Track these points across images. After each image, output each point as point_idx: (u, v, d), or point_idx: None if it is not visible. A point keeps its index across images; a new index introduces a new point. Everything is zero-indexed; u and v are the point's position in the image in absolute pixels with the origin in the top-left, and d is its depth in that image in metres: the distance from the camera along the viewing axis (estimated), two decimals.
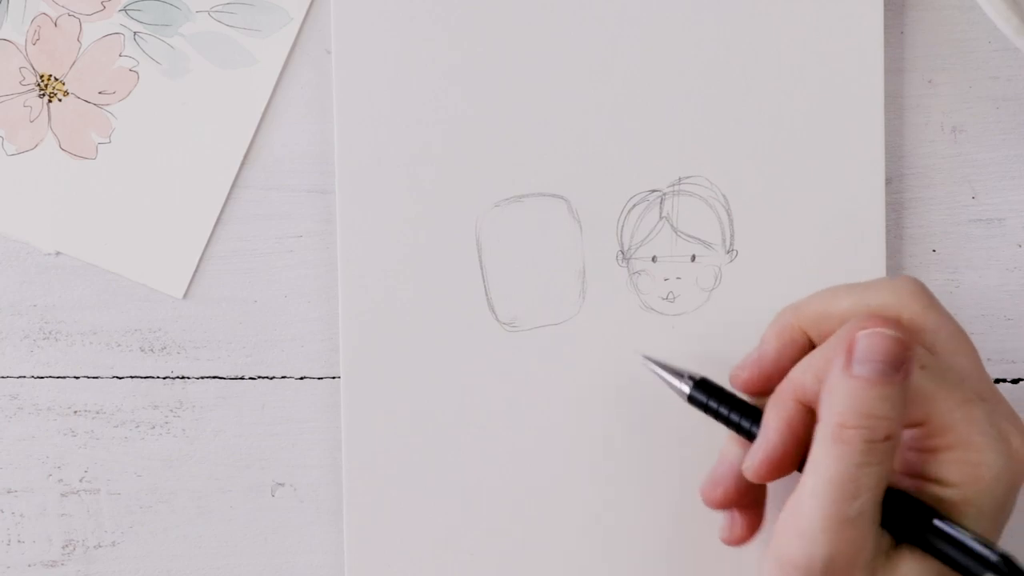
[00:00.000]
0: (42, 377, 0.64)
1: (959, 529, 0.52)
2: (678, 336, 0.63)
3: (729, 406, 0.58)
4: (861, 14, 0.63)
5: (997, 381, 0.65)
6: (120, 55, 0.64)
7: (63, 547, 0.65)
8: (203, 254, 0.64)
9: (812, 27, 0.63)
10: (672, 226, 0.63)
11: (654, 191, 0.63)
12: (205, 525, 0.65)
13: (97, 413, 0.64)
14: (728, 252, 0.63)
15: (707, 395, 0.59)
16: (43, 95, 0.64)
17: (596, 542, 0.64)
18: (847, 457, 0.51)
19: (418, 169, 0.63)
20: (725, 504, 0.59)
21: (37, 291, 0.64)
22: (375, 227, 0.63)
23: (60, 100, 0.64)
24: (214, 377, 0.64)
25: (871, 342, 0.51)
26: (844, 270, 0.63)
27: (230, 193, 0.64)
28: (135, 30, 0.64)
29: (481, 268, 0.63)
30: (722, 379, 0.61)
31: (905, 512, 0.53)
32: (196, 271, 0.64)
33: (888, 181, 0.64)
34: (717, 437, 0.63)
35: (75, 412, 0.64)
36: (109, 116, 0.64)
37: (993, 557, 0.51)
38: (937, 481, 0.53)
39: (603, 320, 0.63)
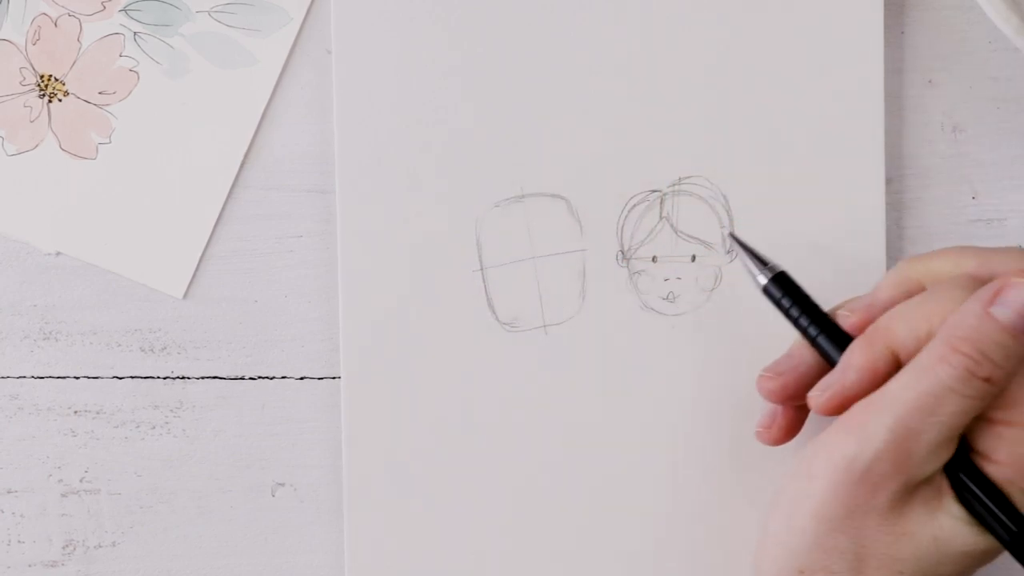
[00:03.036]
0: (42, 377, 0.64)
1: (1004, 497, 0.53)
2: (678, 336, 0.63)
3: (801, 308, 0.58)
4: (861, 14, 0.63)
5: None
6: (120, 55, 0.64)
7: (63, 547, 0.65)
8: (203, 254, 0.64)
9: (812, 27, 0.63)
10: (672, 226, 0.63)
11: (654, 191, 0.63)
12: (205, 525, 0.65)
13: (97, 413, 0.64)
14: (728, 252, 0.63)
15: (782, 291, 0.58)
16: (43, 95, 0.64)
17: (596, 542, 0.64)
18: (944, 376, 0.52)
19: (418, 169, 0.63)
20: (779, 396, 0.58)
21: (37, 291, 0.64)
22: (375, 227, 0.63)
23: (60, 100, 0.64)
24: (214, 377, 0.64)
25: (1016, 293, 0.52)
26: (844, 270, 0.63)
27: (230, 193, 0.64)
28: (135, 30, 0.64)
29: (481, 268, 0.63)
30: (720, 383, 0.61)
31: (964, 467, 0.53)
32: (196, 271, 0.64)
33: (888, 181, 0.64)
34: (718, 438, 0.63)
35: (75, 412, 0.64)
36: (109, 116, 0.64)
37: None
38: (983, 454, 0.53)
39: (603, 320, 0.63)
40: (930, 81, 0.64)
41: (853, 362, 0.55)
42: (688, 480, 0.63)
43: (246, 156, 0.64)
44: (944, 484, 0.54)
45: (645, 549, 0.63)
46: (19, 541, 0.64)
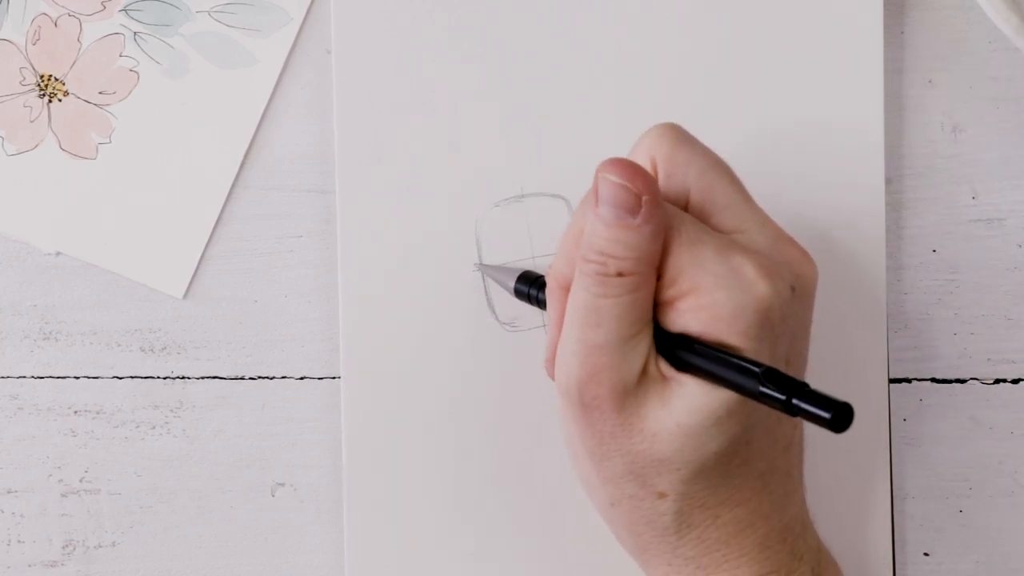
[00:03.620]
0: (42, 377, 0.64)
1: (719, 350, 0.52)
2: None
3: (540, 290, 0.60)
4: (861, 14, 0.63)
5: (997, 381, 0.65)
6: (120, 55, 0.64)
7: (63, 547, 0.65)
8: (203, 254, 0.64)
9: (812, 27, 0.63)
10: None
11: None
12: (205, 525, 0.65)
13: (97, 413, 0.64)
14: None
15: (528, 285, 0.60)
16: (43, 95, 0.64)
17: (596, 541, 0.64)
18: (587, 288, 0.53)
19: (418, 169, 0.63)
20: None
21: (37, 291, 0.64)
22: (375, 227, 0.63)
23: (60, 100, 0.64)
24: (214, 377, 0.64)
25: (604, 187, 0.53)
26: (844, 270, 0.63)
27: (230, 193, 0.64)
28: (135, 30, 0.64)
29: (481, 268, 0.63)
30: None
31: (677, 343, 0.54)
32: (196, 271, 0.64)
33: (888, 181, 0.64)
34: None
35: (75, 412, 0.64)
36: (109, 116, 0.64)
37: (757, 370, 0.51)
38: (681, 335, 0.53)
39: None
40: (930, 81, 0.64)
41: (550, 317, 0.57)
42: None
43: (246, 156, 0.64)
44: (663, 374, 0.54)
45: None
46: (19, 541, 0.64)
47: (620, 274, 0.53)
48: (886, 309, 0.64)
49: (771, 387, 0.50)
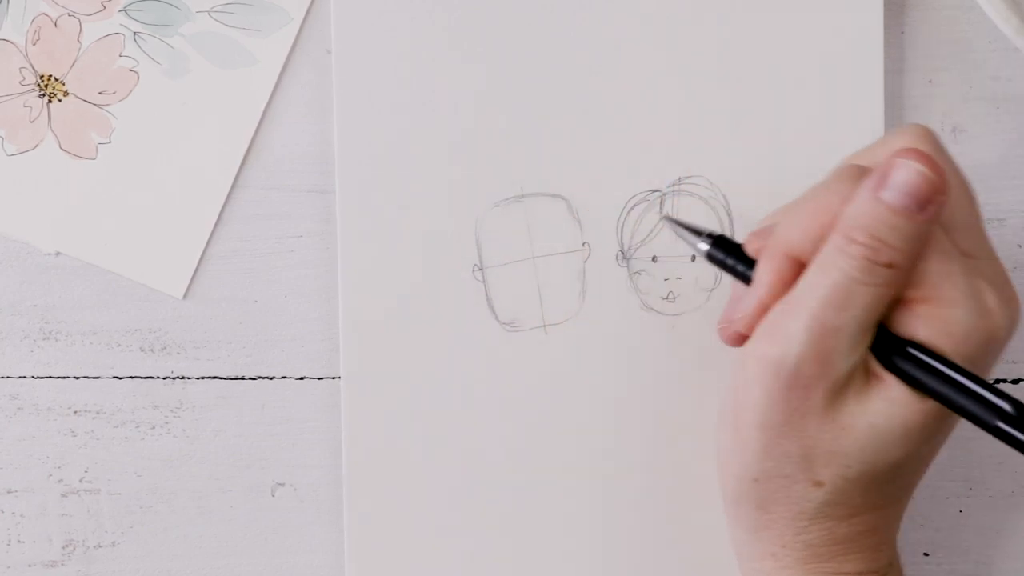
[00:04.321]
0: (42, 377, 0.64)
1: (962, 371, 0.52)
2: (678, 336, 0.63)
3: (746, 264, 0.57)
4: (861, 14, 0.63)
5: (997, 381, 0.65)
6: (120, 55, 0.64)
7: (63, 547, 0.64)
8: (203, 254, 0.64)
9: (812, 27, 0.63)
10: None
11: (654, 191, 0.63)
12: (205, 525, 0.65)
13: (97, 413, 0.64)
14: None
15: (725, 252, 0.58)
16: (43, 95, 0.64)
17: (596, 541, 0.64)
18: (847, 269, 0.52)
19: (418, 169, 0.63)
20: (741, 340, 0.58)
21: (37, 291, 0.64)
22: (375, 227, 0.63)
23: (60, 100, 0.64)
24: (214, 377, 0.64)
25: (903, 173, 0.52)
26: None
27: (230, 193, 0.64)
28: (135, 30, 0.64)
29: (481, 268, 0.63)
30: (720, 383, 0.61)
31: (892, 344, 0.53)
32: (196, 271, 0.64)
33: None
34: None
35: (75, 412, 0.64)
36: (109, 116, 0.64)
37: (1007, 406, 0.51)
38: (905, 336, 0.53)
39: (603, 320, 0.63)
40: (930, 81, 0.64)
41: (761, 276, 0.55)
42: (689, 479, 0.63)
43: (246, 156, 0.64)
44: (870, 370, 0.53)
45: (646, 547, 0.63)
46: (19, 541, 0.64)
47: (890, 264, 0.52)
48: None
49: (1014, 425, 0.50)
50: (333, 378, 0.64)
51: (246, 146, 0.64)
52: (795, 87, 0.63)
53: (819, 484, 0.54)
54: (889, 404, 0.53)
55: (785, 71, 0.63)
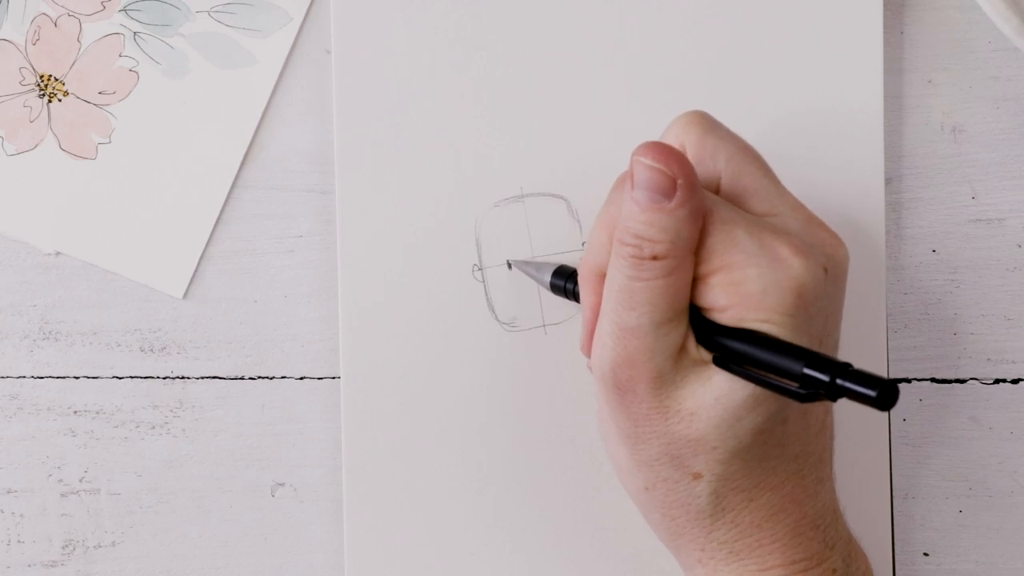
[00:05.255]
0: (42, 377, 0.64)
1: (762, 335, 0.52)
2: None
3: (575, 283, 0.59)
4: (861, 14, 0.63)
5: (997, 381, 0.65)
6: (120, 55, 0.64)
7: (63, 547, 0.65)
8: (203, 254, 0.64)
9: (812, 27, 0.63)
10: None
11: None
12: (205, 525, 0.65)
13: (97, 413, 0.64)
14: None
15: (564, 279, 0.60)
16: (43, 95, 0.64)
17: (596, 541, 0.64)
18: (622, 270, 0.53)
19: (418, 169, 0.63)
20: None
21: (37, 291, 0.64)
22: (375, 227, 0.63)
23: (60, 100, 0.64)
24: (214, 377, 0.64)
25: (639, 170, 0.53)
26: None
27: (230, 193, 0.64)
28: (135, 30, 0.64)
29: (481, 268, 0.63)
30: None
31: (715, 330, 0.53)
32: (196, 271, 0.64)
33: (888, 181, 0.64)
34: None
35: (75, 412, 0.64)
36: (109, 116, 0.64)
37: (796, 368, 0.51)
38: (710, 309, 0.54)
39: None
40: (930, 81, 0.64)
41: (583, 303, 0.57)
42: None
43: (246, 156, 0.64)
44: (699, 355, 0.54)
45: (643, 547, 0.63)
46: (19, 541, 0.64)
47: (655, 257, 0.53)
48: (886, 309, 0.64)
49: (814, 369, 0.50)
50: (333, 378, 0.64)
51: (246, 146, 0.64)
52: (795, 86, 0.63)
53: (698, 476, 0.54)
54: (727, 378, 0.53)
55: (785, 71, 0.63)
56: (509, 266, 0.63)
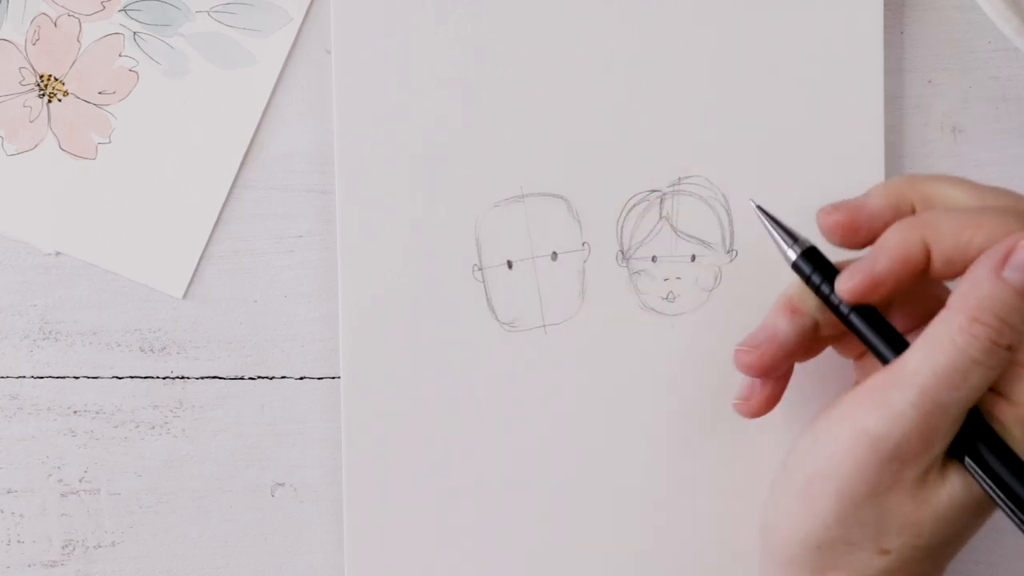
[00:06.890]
0: (42, 377, 0.64)
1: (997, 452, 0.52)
2: (678, 336, 0.63)
3: (832, 284, 0.56)
4: (861, 14, 0.63)
5: None
6: (120, 55, 0.64)
7: (63, 547, 0.65)
8: (203, 254, 0.64)
9: (812, 27, 0.63)
10: (672, 226, 0.63)
11: (654, 191, 0.63)
12: (205, 525, 0.65)
13: (97, 413, 0.64)
14: (728, 252, 0.63)
15: (812, 267, 0.56)
16: (43, 95, 0.64)
17: (597, 541, 0.64)
18: (967, 349, 0.51)
19: (418, 169, 0.63)
20: (757, 370, 0.57)
21: (37, 291, 0.64)
22: (375, 227, 0.63)
23: (60, 100, 0.64)
24: (214, 377, 0.64)
25: (1020, 252, 0.51)
26: None
27: (230, 193, 0.64)
28: (135, 30, 0.64)
29: (481, 268, 0.63)
30: (719, 383, 0.61)
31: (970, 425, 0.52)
32: (196, 271, 0.64)
33: None
34: (717, 437, 0.63)
35: (75, 412, 0.64)
36: (109, 116, 0.64)
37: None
38: (1005, 396, 0.52)
39: (603, 320, 0.63)
40: (930, 81, 0.64)
41: (887, 244, 0.54)
42: (687, 479, 0.63)
43: (246, 156, 0.64)
44: (947, 462, 0.53)
45: (645, 546, 0.63)
46: (19, 541, 0.64)
47: (1009, 347, 0.51)
48: None
49: None
50: (333, 378, 0.64)
51: (246, 146, 0.64)
52: (795, 87, 0.63)
53: (885, 552, 0.53)
54: (966, 477, 0.53)
55: (785, 71, 0.63)
56: (757, 209, 0.58)
